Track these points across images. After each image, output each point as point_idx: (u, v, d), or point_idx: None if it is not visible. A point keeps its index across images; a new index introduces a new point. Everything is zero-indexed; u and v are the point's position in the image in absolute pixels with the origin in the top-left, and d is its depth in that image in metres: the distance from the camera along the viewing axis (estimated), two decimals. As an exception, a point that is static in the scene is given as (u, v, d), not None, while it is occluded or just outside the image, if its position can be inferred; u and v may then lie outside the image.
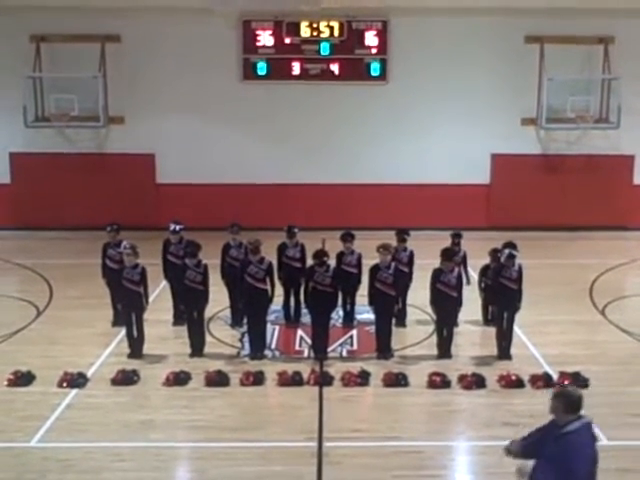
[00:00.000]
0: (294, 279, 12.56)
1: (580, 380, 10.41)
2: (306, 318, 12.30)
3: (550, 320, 12.96)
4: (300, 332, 12.48)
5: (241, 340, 12.12)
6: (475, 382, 10.41)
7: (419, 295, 12.34)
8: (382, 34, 19.29)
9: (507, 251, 11.39)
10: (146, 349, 11.52)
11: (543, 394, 10.12)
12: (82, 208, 19.24)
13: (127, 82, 19.18)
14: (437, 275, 11.34)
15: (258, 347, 11.54)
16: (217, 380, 10.47)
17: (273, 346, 11.98)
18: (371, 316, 12.02)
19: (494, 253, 12.09)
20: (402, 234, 12.74)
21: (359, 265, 12.51)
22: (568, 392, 5.76)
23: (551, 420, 5.79)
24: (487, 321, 12.62)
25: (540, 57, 19.06)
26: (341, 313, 12.84)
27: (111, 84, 19.08)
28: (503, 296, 11.38)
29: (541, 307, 13.29)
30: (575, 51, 19.18)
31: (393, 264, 11.51)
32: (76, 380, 10.42)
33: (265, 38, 19.26)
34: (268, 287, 11.52)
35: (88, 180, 19.52)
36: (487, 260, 12.47)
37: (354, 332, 12.52)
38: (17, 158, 19.64)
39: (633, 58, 18.99)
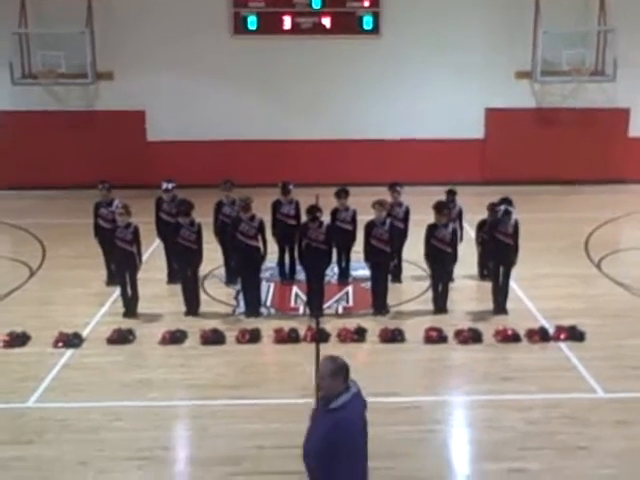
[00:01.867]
0: (288, 236, 12.46)
1: (576, 334, 10.44)
2: (301, 275, 12.24)
3: (546, 274, 12.95)
4: (295, 289, 12.44)
5: (236, 298, 12.08)
6: (471, 337, 10.43)
7: (414, 250, 12.27)
8: (375, -14, 18.94)
9: (503, 207, 11.31)
10: (141, 308, 11.47)
11: (540, 348, 10.23)
12: (72, 167, 19.02)
13: (115, 37, 18.80)
14: (431, 230, 11.28)
15: (253, 305, 11.50)
16: (213, 338, 10.45)
17: (268, 303, 11.95)
18: (366, 272, 11.97)
19: (492, 207, 11.98)
20: (394, 187, 12.61)
21: (354, 222, 12.43)
22: (339, 365, 5.26)
23: (321, 397, 5.40)
24: (483, 276, 12.59)
25: (535, 9, 18.74)
26: (336, 270, 12.79)
27: (99, 39, 18.68)
28: (499, 251, 11.33)
29: (537, 261, 13.27)
30: (570, 3, 18.86)
31: (388, 220, 11.43)
32: (71, 340, 10.39)
33: (255, -9, 18.90)
34: (260, 244, 11.44)
35: (78, 138, 19.24)
36: (482, 215, 12.38)
37: (349, 289, 12.49)
38: (4, 116, 19.32)
39: (629, 9, 18.70)
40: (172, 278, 12.49)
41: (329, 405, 5.25)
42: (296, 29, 19.09)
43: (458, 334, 10.50)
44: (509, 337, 10.44)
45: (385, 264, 11.46)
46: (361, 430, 5.39)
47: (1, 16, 18.38)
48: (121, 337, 10.50)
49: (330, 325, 10.90)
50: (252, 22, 19.05)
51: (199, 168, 18.68)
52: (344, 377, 5.29)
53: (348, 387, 5.30)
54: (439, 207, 11.40)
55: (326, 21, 19.06)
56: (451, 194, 12.71)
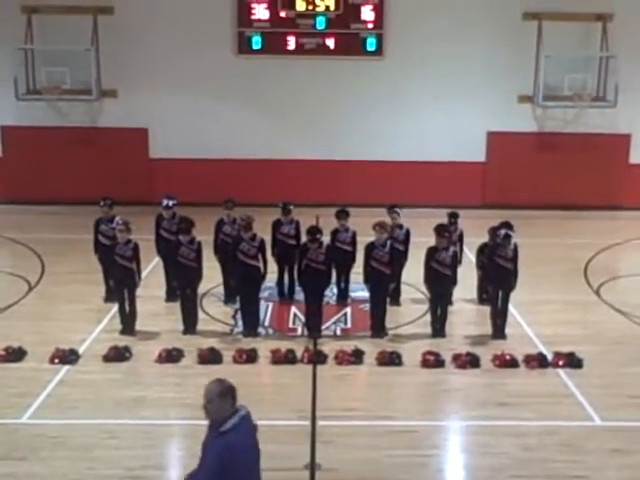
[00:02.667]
0: (288, 256, 12.46)
1: (574, 360, 10.40)
2: (300, 295, 12.22)
3: (545, 300, 12.90)
4: (294, 309, 12.41)
5: (234, 317, 12.05)
6: (469, 361, 10.39)
7: (414, 273, 12.26)
8: (378, 8, 18.98)
9: (503, 231, 11.31)
10: (138, 325, 11.44)
11: (537, 374, 10.19)
12: (74, 183, 19.04)
13: (120, 55, 18.87)
14: (432, 253, 11.27)
15: (251, 324, 11.47)
16: (210, 357, 10.40)
17: (266, 323, 11.91)
18: (365, 294, 11.96)
19: (493, 232, 11.96)
20: (393, 209, 12.62)
21: (354, 243, 12.44)
22: (227, 387, 5.23)
23: (209, 423, 5.31)
24: (482, 300, 12.55)
25: (538, 34, 18.85)
26: (335, 291, 12.77)
27: (104, 57, 18.75)
28: (498, 275, 11.32)
29: (536, 287, 13.21)
30: (573, 28, 18.94)
31: (389, 242, 11.43)
32: (68, 356, 10.35)
33: (260, 11, 18.96)
34: (260, 264, 11.43)
35: (81, 154, 19.27)
36: (482, 239, 12.37)
37: (348, 310, 12.46)
38: (8, 132, 19.39)
39: (631, 36, 18.74)
40: (170, 296, 12.46)
41: (219, 429, 5.14)
42: (300, 49, 19.17)
43: (456, 358, 10.46)
44: (507, 362, 10.39)
45: (384, 286, 11.44)
46: (252, 454, 5.29)
47: (7, 32, 18.44)
48: (117, 354, 10.47)
49: (327, 347, 10.86)
50: (256, 42, 19.15)
51: (201, 186, 18.69)
52: (232, 399, 5.20)
53: (237, 410, 5.21)
54: (439, 230, 11.40)
55: (330, 42, 19.14)
56: (453, 217, 12.71)
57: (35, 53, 18.74)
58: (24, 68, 18.56)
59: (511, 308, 11.64)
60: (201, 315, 11.87)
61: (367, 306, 11.79)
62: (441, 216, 12.80)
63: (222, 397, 5.16)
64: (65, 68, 18.19)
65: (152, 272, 13.27)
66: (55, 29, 18.56)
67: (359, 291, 12.56)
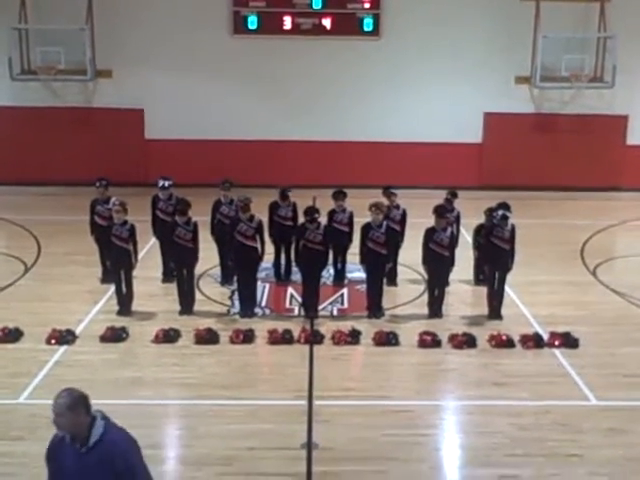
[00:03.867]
0: (285, 237, 12.45)
1: (570, 340, 10.43)
2: (297, 276, 12.22)
3: (541, 280, 12.93)
4: (290, 290, 12.42)
5: (231, 298, 12.05)
6: (466, 342, 10.40)
7: (410, 254, 12.26)
8: (375, -12, 18.93)
9: (501, 212, 11.28)
10: (135, 306, 11.44)
11: (533, 354, 10.22)
12: (70, 163, 19.00)
13: (115, 35, 18.78)
14: (430, 234, 11.25)
15: (248, 305, 11.48)
16: (207, 338, 10.41)
17: (263, 304, 11.92)
18: (362, 274, 11.96)
19: (490, 212, 11.95)
20: (388, 190, 12.61)
21: (350, 223, 12.43)
22: (76, 397, 4.80)
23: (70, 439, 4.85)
24: (478, 281, 12.56)
25: (535, 15, 18.77)
26: (332, 271, 12.76)
27: (98, 37, 18.68)
28: (495, 256, 11.32)
29: (532, 267, 13.24)
30: (571, 8, 18.88)
31: (385, 223, 11.41)
32: (65, 337, 10.35)
33: (256, -10, 18.89)
34: (258, 245, 11.42)
35: (76, 135, 19.23)
36: (479, 220, 12.37)
37: (345, 291, 12.47)
38: (3, 112, 19.29)
39: (629, 16, 18.72)
40: (167, 277, 12.46)
41: (87, 443, 4.82)
42: (296, 29, 19.09)
43: (452, 338, 10.48)
44: (503, 342, 10.41)
45: (381, 267, 11.44)
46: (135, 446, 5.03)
47: (1, 12, 18.34)
48: (114, 335, 10.47)
49: (324, 327, 10.88)
50: (252, 22, 19.04)
51: (197, 167, 18.66)
52: (86, 408, 4.84)
53: (94, 417, 4.88)
54: (440, 211, 11.38)
55: (326, 22, 19.06)
56: (453, 196, 12.68)
57: (29, 33, 18.68)
58: (18, 48, 18.52)
59: (507, 289, 11.66)
60: (198, 296, 11.87)
61: (364, 287, 11.81)
62: (438, 197, 12.78)
63: (73, 409, 4.79)
64: (60, 48, 18.09)
65: (148, 253, 13.27)
66: (49, 8, 18.45)
67: (356, 272, 12.57)
